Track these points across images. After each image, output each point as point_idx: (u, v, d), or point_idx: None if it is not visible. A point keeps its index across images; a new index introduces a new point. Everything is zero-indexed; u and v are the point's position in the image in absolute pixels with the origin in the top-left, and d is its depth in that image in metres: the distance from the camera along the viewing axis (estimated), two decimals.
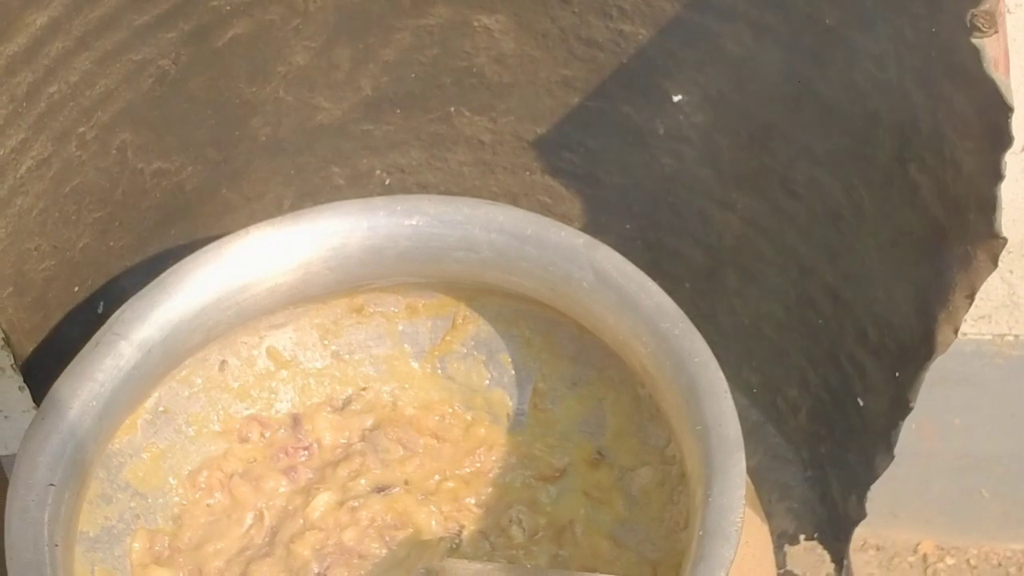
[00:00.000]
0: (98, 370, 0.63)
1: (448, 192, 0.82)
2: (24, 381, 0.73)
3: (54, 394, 0.62)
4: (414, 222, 0.68)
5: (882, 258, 0.67)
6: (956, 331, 0.64)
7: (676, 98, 0.74)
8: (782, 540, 0.81)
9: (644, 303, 0.64)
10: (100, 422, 0.63)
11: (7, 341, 0.70)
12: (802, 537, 0.82)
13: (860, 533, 0.80)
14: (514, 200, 0.82)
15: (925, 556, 1.01)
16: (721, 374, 0.61)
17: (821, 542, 0.80)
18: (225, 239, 0.67)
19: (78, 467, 0.62)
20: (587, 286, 0.65)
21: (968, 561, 1.03)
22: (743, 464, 0.58)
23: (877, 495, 0.75)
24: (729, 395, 0.60)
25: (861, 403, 0.74)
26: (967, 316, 0.63)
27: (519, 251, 0.67)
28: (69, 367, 0.63)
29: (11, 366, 0.81)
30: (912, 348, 0.67)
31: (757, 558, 0.63)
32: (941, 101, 0.60)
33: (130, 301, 0.65)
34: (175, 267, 0.66)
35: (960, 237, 0.60)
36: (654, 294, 0.64)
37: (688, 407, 0.61)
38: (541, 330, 0.73)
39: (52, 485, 0.60)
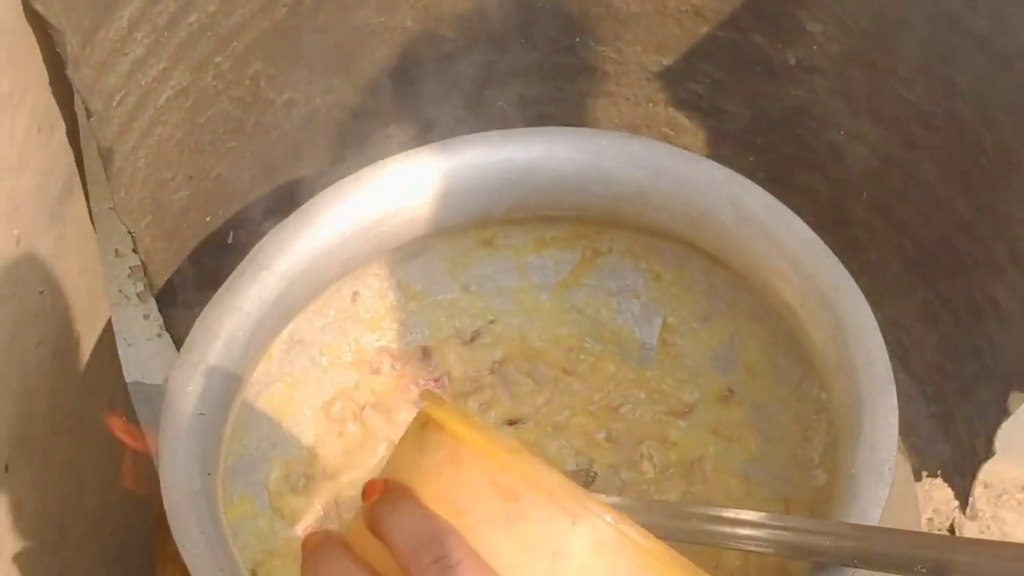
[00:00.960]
0: (244, 300, 0.63)
1: (569, 124, 0.81)
2: (158, 310, 0.74)
3: (200, 324, 0.62)
4: (550, 154, 0.68)
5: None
6: None
7: (811, 28, 0.72)
8: None
9: (788, 238, 0.63)
10: (245, 352, 0.63)
11: (144, 270, 0.71)
12: (924, 474, 0.81)
13: None
14: (635, 132, 0.81)
15: None
16: (869, 310, 0.60)
17: (945, 479, 0.80)
18: (364, 170, 0.67)
19: (224, 396, 0.62)
20: (728, 221, 0.65)
21: None
22: (895, 401, 0.58)
23: None
24: (878, 331, 0.60)
25: (994, 339, 0.73)
26: None
27: (656, 185, 0.67)
28: (214, 297, 0.63)
29: (137, 295, 0.82)
30: None
31: (900, 493, 0.62)
32: None
33: (272, 232, 0.65)
34: (315, 198, 0.66)
35: None
36: (798, 229, 0.63)
37: (835, 343, 0.60)
38: (671, 264, 0.72)
39: (202, 414, 0.60)
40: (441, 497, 0.38)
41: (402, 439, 0.41)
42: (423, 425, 0.40)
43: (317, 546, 0.40)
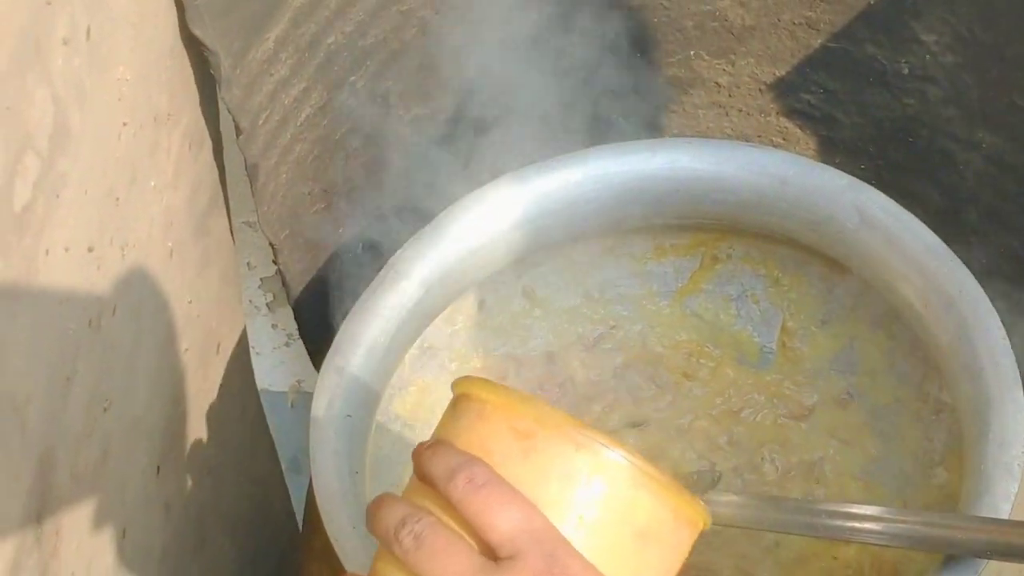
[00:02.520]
0: (384, 307, 0.66)
1: (683, 135, 0.84)
2: (295, 319, 0.77)
3: (345, 330, 0.65)
4: (674, 164, 0.70)
5: None
6: None
7: (924, 37, 0.74)
8: None
9: (911, 243, 0.65)
10: (386, 356, 0.66)
11: (283, 281, 0.74)
12: None
13: None
14: (747, 141, 0.83)
15: None
16: (994, 311, 0.62)
17: None
18: (496, 181, 0.69)
19: (368, 399, 0.65)
20: (852, 227, 0.67)
21: None
22: (1022, 398, 0.59)
23: None
24: (1004, 331, 0.61)
25: None
26: None
27: (780, 192, 0.69)
28: (357, 304, 0.66)
29: (266, 305, 0.86)
30: None
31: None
32: None
33: (409, 241, 0.68)
34: (450, 208, 0.68)
35: None
36: (921, 233, 0.65)
37: (960, 344, 0.62)
38: (790, 269, 0.74)
39: (349, 416, 0.63)
40: (471, 445, 0.45)
41: (442, 416, 0.48)
42: (455, 402, 0.48)
43: (379, 502, 0.46)
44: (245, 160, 0.67)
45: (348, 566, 0.58)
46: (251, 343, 0.85)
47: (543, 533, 0.43)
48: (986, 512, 0.57)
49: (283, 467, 0.91)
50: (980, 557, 0.55)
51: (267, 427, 0.87)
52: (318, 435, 0.62)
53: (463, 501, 0.44)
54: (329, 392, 0.64)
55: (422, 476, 0.46)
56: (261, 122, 0.67)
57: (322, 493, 0.60)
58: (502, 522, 0.43)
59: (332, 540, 0.59)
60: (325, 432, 0.62)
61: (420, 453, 0.46)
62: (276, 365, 0.89)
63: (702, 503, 0.47)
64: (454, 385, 0.48)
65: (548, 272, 0.76)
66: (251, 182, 0.68)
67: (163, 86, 0.61)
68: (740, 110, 0.83)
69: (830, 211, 0.67)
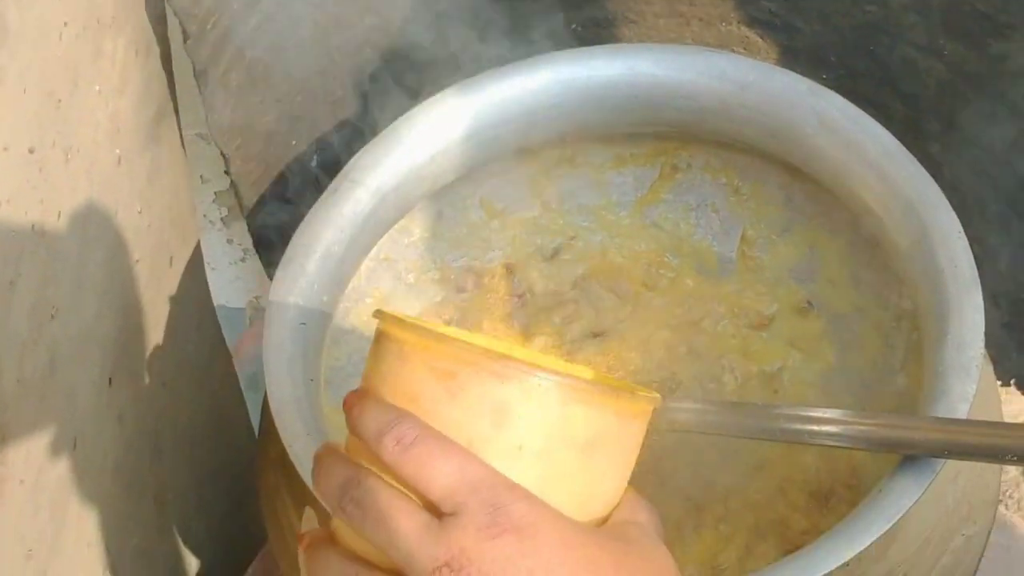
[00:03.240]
0: (338, 215, 0.65)
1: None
2: (247, 230, 0.76)
3: (299, 238, 0.64)
4: (635, 70, 0.69)
5: None
6: None
7: None
8: None
9: (870, 147, 0.64)
10: (341, 265, 0.65)
11: (235, 192, 0.73)
12: (998, 384, 0.82)
13: None
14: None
15: None
16: (953, 214, 0.61)
17: (1019, 388, 0.81)
18: (450, 89, 0.68)
19: (323, 308, 0.64)
20: (811, 132, 0.66)
21: None
22: (980, 300, 0.59)
23: None
24: (963, 235, 0.61)
25: None
26: None
27: (739, 98, 0.68)
28: (310, 212, 0.65)
29: (221, 219, 0.84)
30: None
31: (984, 394, 0.63)
32: None
33: (365, 148, 0.66)
34: (406, 115, 0.67)
35: None
36: (881, 137, 0.64)
37: (919, 248, 0.61)
38: (749, 178, 0.73)
39: (303, 324, 0.62)
40: (396, 391, 0.45)
41: (368, 354, 0.47)
42: (376, 338, 0.47)
43: (311, 546, 0.46)
44: (193, 66, 0.65)
45: (302, 472, 0.57)
46: (206, 258, 0.84)
47: (481, 482, 0.43)
48: (944, 413, 0.56)
49: (242, 384, 0.90)
50: (937, 456, 0.55)
51: (224, 342, 0.86)
52: (272, 342, 0.61)
53: (396, 463, 0.43)
54: (283, 300, 0.63)
55: (354, 434, 0.45)
56: (209, 27, 0.65)
57: (276, 399, 0.60)
58: (438, 478, 0.42)
59: (286, 446, 0.58)
60: (279, 339, 0.61)
61: (348, 411, 0.45)
62: (232, 280, 0.88)
63: (643, 389, 0.46)
64: (374, 318, 0.47)
65: (506, 183, 0.75)
66: (199, 88, 0.66)
67: None
68: (701, 19, 0.82)
69: (790, 117, 0.66)
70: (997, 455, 0.53)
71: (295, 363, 0.61)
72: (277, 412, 0.59)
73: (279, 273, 0.63)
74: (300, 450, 0.58)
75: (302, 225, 0.65)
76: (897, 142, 0.64)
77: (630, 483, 0.49)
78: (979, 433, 0.53)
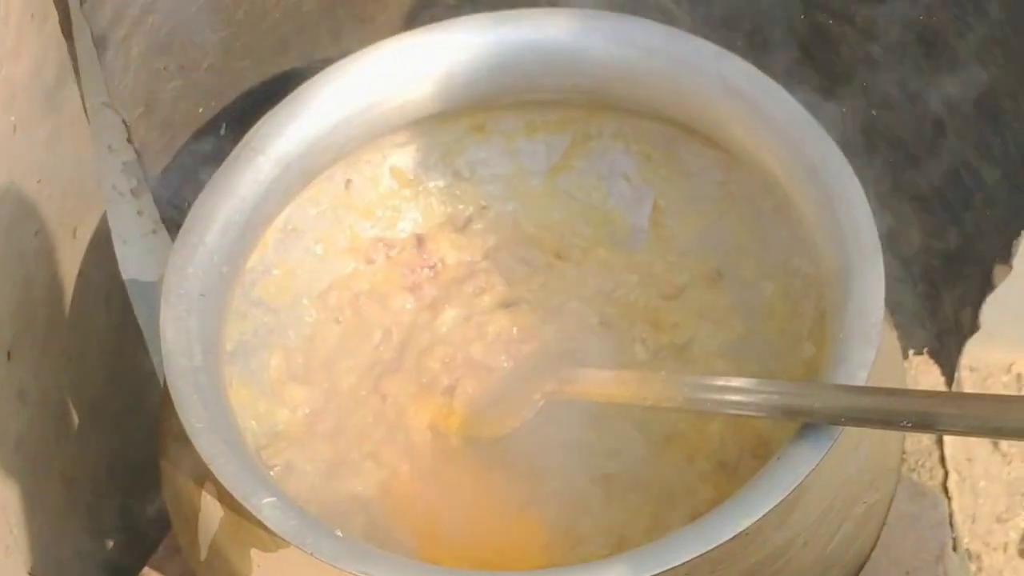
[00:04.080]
0: (239, 184, 0.64)
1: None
2: (153, 202, 0.75)
3: (198, 207, 0.63)
4: (541, 35, 0.68)
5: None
6: None
7: None
8: None
9: (775, 113, 0.64)
10: (242, 235, 0.64)
11: (140, 161, 0.72)
12: (911, 352, 0.83)
13: None
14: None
15: (1019, 375, 1.02)
16: (856, 180, 0.61)
17: (932, 357, 0.81)
18: (357, 54, 0.67)
19: (223, 279, 0.63)
20: (717, 97, 0.65)
21: None
22: (882, 267, 0.59)
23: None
24: (866, 201, 0.61)
25: (979, 215, 0.74)
26: None
27: (646, 64, 0.67)
28: (211, 181, 0.64)
29: (131, 191, 0.83)
30: None
31: (888, 362, 0.64)
32: None
33: (267, 116, 0.65)
34: (309, 82, 0.66)
35: None
36: (785, 103, 0.64)
37: (823, 214, 0.61)
38: (661, 146, 0.73)
39: (202, 295, 0.61)
40: None
41: None
42: None
43: None
44: (91, 31, 0.64)
45: (200, 448, 0.57)
46: (117, 231, 0.83)
47: None
48: (843, 380, 0.56)
49: (154, 360, 0.89)
50: (834, 423, 0.54)
51: (134, 317, 0.84)
52: (169, 313, 0.60)
53: None
54: (181, 270, 0.62)
55: None
56: None
57: (172, 371, 0.59)
58: None
59: (183, 422, 0.57)
60: (177, 311, 0.60)
61: None
62: (144, 254, 0.86)
63: None
64: None
65: (416, 151, 0.74)
66: (99, 55, 0.65)
67: None
68: None
69: (696, 82, 0.66)
70: (893, 420, 0.53)
71: (193, 335, 0.60)
72: (174, 387, 0.58)
73: (177, 244, 0.62)
74: (198, 425, 0.57)
75: (201, 195, 0.64)
76: (801, 107, 0.64)
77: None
78: (874, 399, 0.54)
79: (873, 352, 0.57)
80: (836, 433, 0.55)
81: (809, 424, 0.55)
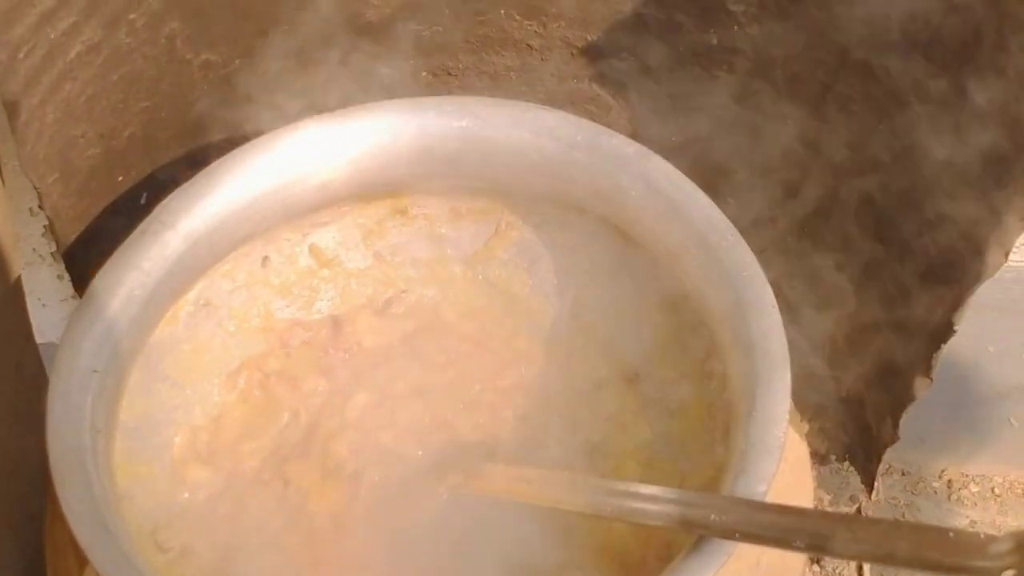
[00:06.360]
0: (144, 259, 0.63)
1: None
2: (66, 269, 0.73)
3: (100, 280, 0.62)
4: (464, 123, 0.67)
5: (941, 172, 0.66)
6: (1007, 255, 0.63)
7: (732, 8, 0.73)
8: (812, 460, 0.81)
9: (694, 214, 0.63)
10: (144, 310, 0.63)
11: (51, 228, 0.70)
12: (832, 458, 0.82)
13: (885, 457, 0.80)
14: (559, 109, 0.81)
15: (950, 482, 1.01)
16: (769, 289, 0.61)
17: (852, 463, 0.80)
18: (276, 132, 0.66)
19: (121, 355, 0.62)
20: (636, 195, 0.65)
21: (992, 489, 1.03)
22: (788, 380, 0.58)
23: (904, 420, 0.75)
24: (776, 310, 0.60)
25: (902, 326, 0.73)
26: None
27: (568, 157, 0.66)
28: (115, 254, 0.63)
29: (51, 254, 0.81)
30: (960, 269, 0.66)
31: (795, 475, 0.63)
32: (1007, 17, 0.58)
33: (178, 191, 0.64)
34: (224, 158, 0.65)
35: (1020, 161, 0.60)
36: (704, 205, 0.63)
37: (734, 321, 0.61)
38: (584, 240, 0.72)
39: (95, 371, 0.60)
40: None
41: None
42: None
43: None
44: (2, 96, 0.63)
45: (76, 529, 0.55)
46: (36, 294, 0.81)
47: None
48: (743, 492, 0.55)
49: None
50: (729, 539, 0.53)
51: (47, 381, 0.82)
52: (59, 389, 0.59)
53: None
54: (75, 344, 0.60)
55: None
56: (22, 56, 0.63)
57: (55, 451, 0.57)
58: None
59: (62, 501, 0.56)
60: (66, 387, 0.59)
61: None
62: (63, 318, 0.85)
63: None
64: None
65: (337, 231, 0.73)
66: (10, 120, 0.64)
67: None
68: (552, 75, 0.80)
69: (617, 178, 0.65)
70: (787, 540, 0.51)
71: (81, 413, 0.59)
72: (56, 467, 0.57)
73: (73, 316, 0.61)
74: (76, 504, 0.56)
75: (104, 268, 0.62)
76: (719, 211, 0.63)
77: None
78: (769, 517, 0.52)
79: (775, 465, 0.56)
80: (730, 548, 0.53)
81: (704, 537, 0.54)
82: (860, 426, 0.79)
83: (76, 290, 0.75)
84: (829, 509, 0.86)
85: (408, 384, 0.72)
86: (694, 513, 0.54)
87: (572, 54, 0.79)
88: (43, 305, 0.83)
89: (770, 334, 0.59)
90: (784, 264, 0.79)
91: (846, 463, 0.87)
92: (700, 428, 0.68)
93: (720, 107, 0.77)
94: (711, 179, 0.76)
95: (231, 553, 0.66)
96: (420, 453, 0.69)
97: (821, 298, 0.80)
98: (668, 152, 0.77)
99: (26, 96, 0.65)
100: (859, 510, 0.86)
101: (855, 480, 0.87)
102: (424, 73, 0.80)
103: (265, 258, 0.72)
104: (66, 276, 0.82)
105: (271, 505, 0.68)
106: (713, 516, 0.53)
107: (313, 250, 0.73)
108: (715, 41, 0.74)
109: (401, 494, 0.67)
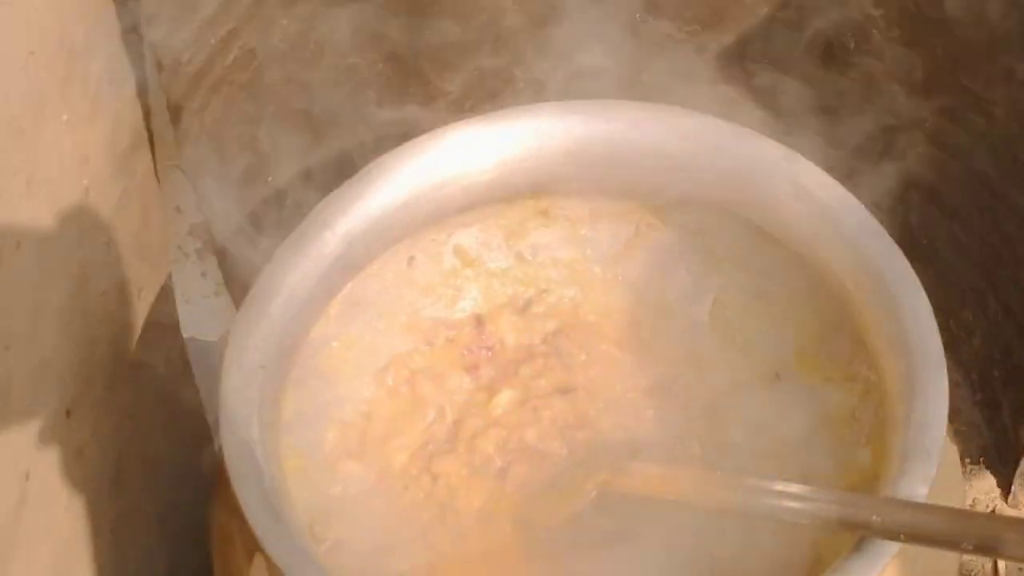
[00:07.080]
0: (305, 257, 0.64)
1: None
2: (219, 267, 0.75)
3: (263, 280, 0.63)
4: (610, 127, 0.68)
5: None
6: None
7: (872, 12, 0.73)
8: None
9: (844, 218, 0.64)
10: (304, 309, 0.64)
11: (208, 227, 0.72)
12: (967, 461, 0.82)
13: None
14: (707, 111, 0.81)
15: None
16: (923, 291, 0.61)
17: (988, 467, 0.80)
18: (426, 135, 0.67)
19: (283, 351, 0.63)
20: (784, 199, 0.65)
21: None
22: (946, 382, 0.58)
23: None
24: (932, 313, 0.60)
25: None
26: None
27: (714, 161, 0.67)
28: (276, 254, 0.64)
29: (195, 252, 0.84)
30: None
31: (947, 477, 0.63)
32: None
33: (334, 192, 0.66)
34: (377, 161, 0.67)
35: None
36: (855, 209, 0.64)
37: (888, 324, 0.61)
38: (724, 241, 0.73)
39: (262, 367, 0.62)
40: None
41: None
42: None
43: None
44: (167, 99, 0.65)
45: (251, 519, 0.56)
46: (180, 291, 0.84)
47: None
48: (904, 495, 0.56)
49: (211, 419, 0.89)
50: (893, 539, 0.54)
51: (192, 377, 0.85)
52: (229, 385, 0.61)
53: None
54: (243, 342, 0.62)
55: None
56: (185, 61, 0.65)
57: (229, 443, 0.59)
58: None
59: (236, 492, 0.57)
60: (237, 382, 0.61)
61: None
62: (206, 315, 0.87)
63: None
64: None
65: (480, 232, 0.74)
66: (173, 123, 0.66)
67: (78, 17, 0.59)
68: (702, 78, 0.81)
69: (764, 182, 0.66)
70: (955, 542, 0.52)
71: (252, 407, 0.60)
72: (230, 458, 0.58)
73: (240, 315, 0.62)
74: (250, 497, 0.57)
75: (267, 266, 0.64)
76: (871, 216, 0.63)
77: None
78: (937, 518, 0.53)
79: (935, 468, 0.56)
80: (893, 549, 0.54)
81: (866, 538, 0.54)
82: (995, 429, 0.79)
83: (227, 286, 0.77)
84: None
85: (550, 383, 0.73)
86: (856, 513, 0.55)
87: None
88: (186, 301, 0.85)
89: (927, 337, 0.59)
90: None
91: (973, 466, 0.86)
92: (843, 431, 0.68)
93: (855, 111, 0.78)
94: None
95: (382, 547, 0.67)
96: (565, 451, 0.70)
97: (955, 299, 0.80)
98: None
99: (188, 100, 0.67)
100: (994, 512, 0.86)
101: (980, 483, 0.87)
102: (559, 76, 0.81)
103: (411, 258, 0.73)
104: (209, 274, 0.85)
105: (420, 500, 0.69)
106: (875, 517, 0.54)
107: (457, 250, 0.74)
108: (852, 45, 0.74)
109: (548, 491, 0.68)
